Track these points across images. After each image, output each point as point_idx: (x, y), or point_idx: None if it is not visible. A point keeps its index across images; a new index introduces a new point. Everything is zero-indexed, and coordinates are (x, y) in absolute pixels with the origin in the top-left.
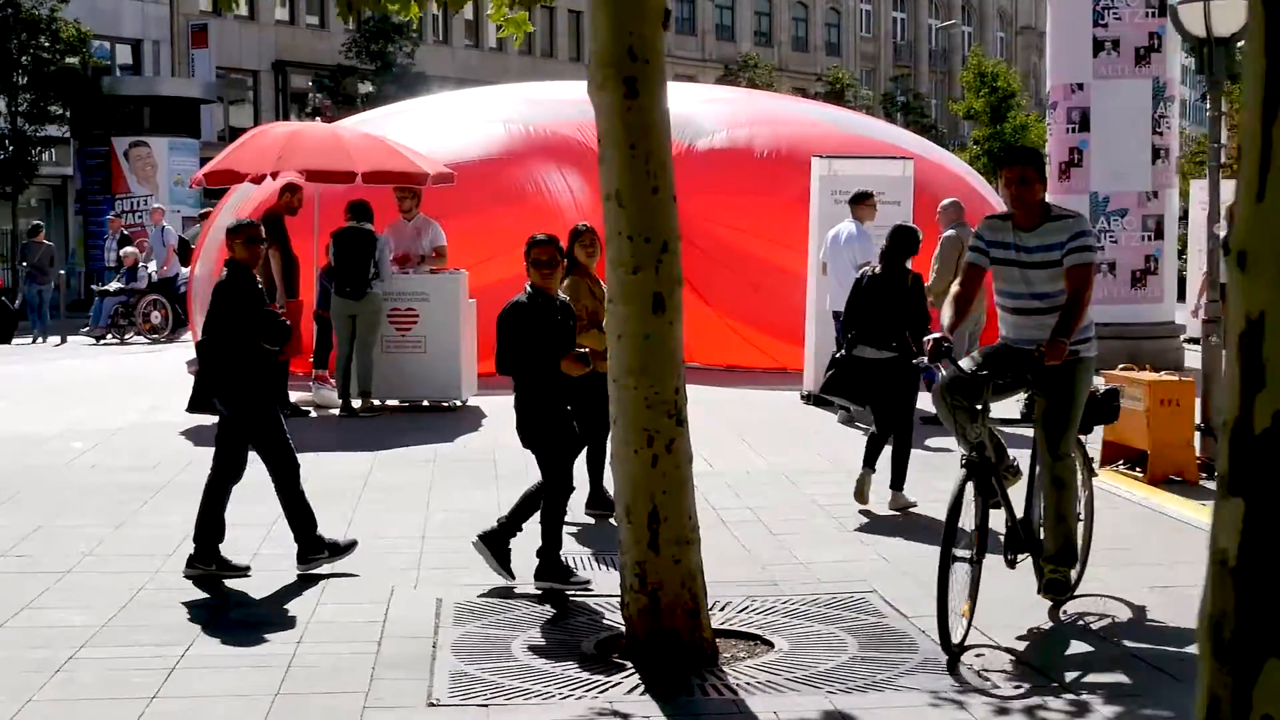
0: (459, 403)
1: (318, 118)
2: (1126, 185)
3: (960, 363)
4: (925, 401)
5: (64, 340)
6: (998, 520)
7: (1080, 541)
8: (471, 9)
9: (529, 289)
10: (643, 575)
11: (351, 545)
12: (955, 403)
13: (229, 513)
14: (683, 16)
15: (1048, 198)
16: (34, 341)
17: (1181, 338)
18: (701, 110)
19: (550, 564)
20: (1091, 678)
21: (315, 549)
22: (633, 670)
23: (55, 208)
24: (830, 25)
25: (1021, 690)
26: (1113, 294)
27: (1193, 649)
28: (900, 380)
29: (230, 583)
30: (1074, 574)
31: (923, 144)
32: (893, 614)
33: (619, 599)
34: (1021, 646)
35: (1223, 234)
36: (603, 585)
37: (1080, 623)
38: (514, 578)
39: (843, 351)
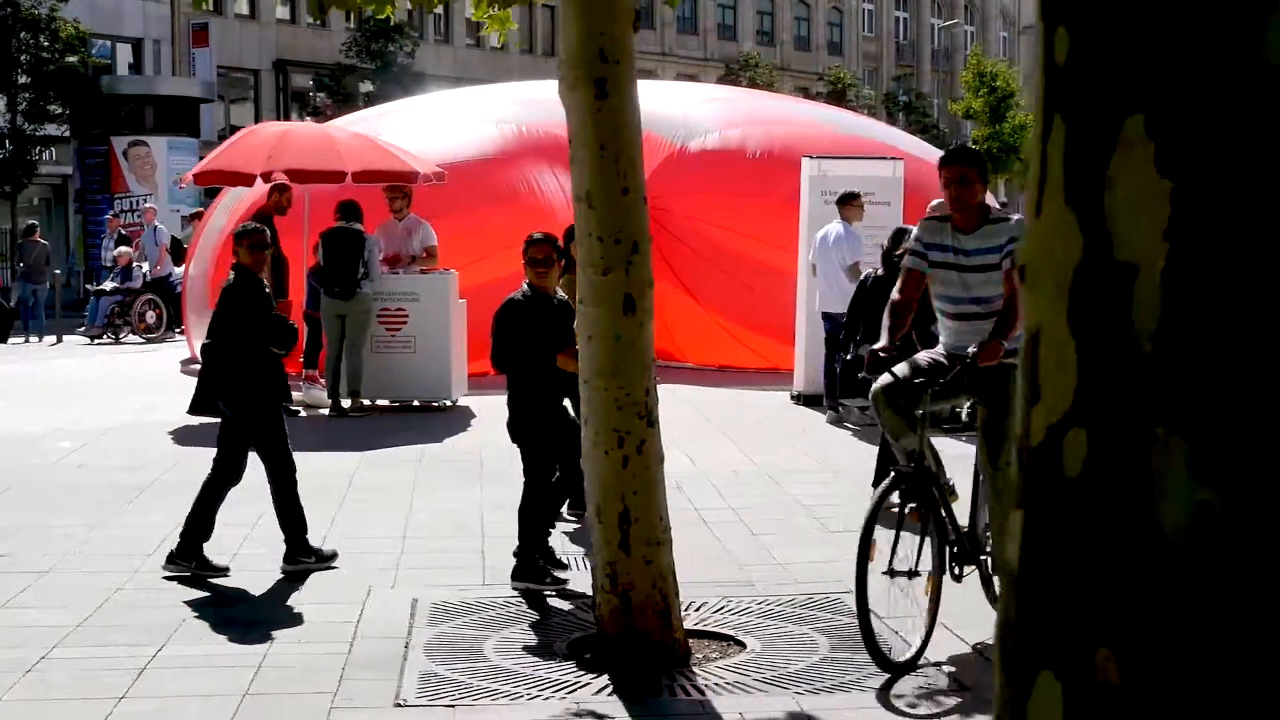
0: (449, 403)
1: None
2: None
3: (896, 369)
4: None
5: (59, 340)
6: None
7: None
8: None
9: (526, 287)
10: (614, 576)
11: (333, 556)
12: (892, 410)
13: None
14: (684, 15)
15: None
16: (26, 341)
17: None
18: (696, 110)
19: (527, 564)
20: None
21: (304, 552)
22: (603, 671)
23: (56, 207)
24: (833, 24)
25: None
26: None
27: None
28: None
29: (207, 583)
30: None
31: (919, 145)
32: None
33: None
34: (989, 648)
35: None
36: (583, 585)
37: None
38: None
39: (851, 354)
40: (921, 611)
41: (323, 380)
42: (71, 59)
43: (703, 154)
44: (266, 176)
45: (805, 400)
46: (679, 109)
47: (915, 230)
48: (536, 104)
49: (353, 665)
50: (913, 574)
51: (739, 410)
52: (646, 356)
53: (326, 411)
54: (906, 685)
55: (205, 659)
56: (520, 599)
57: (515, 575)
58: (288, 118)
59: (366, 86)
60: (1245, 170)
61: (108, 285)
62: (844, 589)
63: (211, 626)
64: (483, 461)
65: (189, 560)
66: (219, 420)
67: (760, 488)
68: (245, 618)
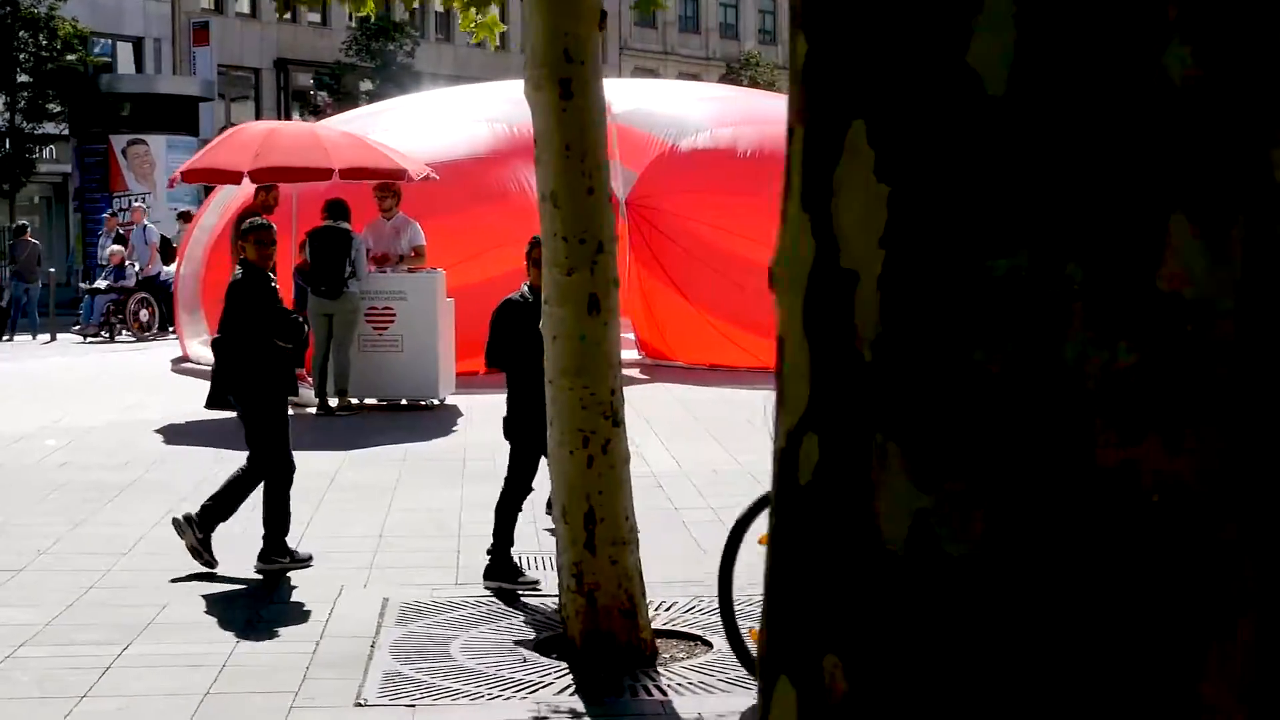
0: (436, 402)
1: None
2: None
3: None
4: None
5: (53, 338)
6: None
7: None
8: (495, 7)
9: (525, 288)
10: (579, 576)
11: (308, 559)
12: None
13: (192, 510)
14: (686, 14)
15: None
16: (11, 339)
17: None
18: (689, 109)
19: (500, 563)
20: None
21: (280, 553)
22: (567, 670)
23: (56, 205)
24: None
25: None
26: None
27: None
28: None
29: (180, 582)
30: None
31: None
32: None
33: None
34: None
35: None
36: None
37: None
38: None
39: None
40: None
41: (310, 379)
42: (70, 58)
43: (694, 153)
44: (254, 175)
45: None
46: (672, 108)
47: None
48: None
49: (317, 664)
50: None
51: (727, 409)
52: (612, 356)
53: (314, 411)
54: None
55: (170, 658)
56: (492, 598)
57: (488, 574)
58: (289, 116)
59: (367, 85)
60: (957, 177)
61: (100, 284)
62: None
63: (180, 626)
64: (465, 461)
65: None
66: (236, 415)
67: (742, 487)
68: (215, 617)
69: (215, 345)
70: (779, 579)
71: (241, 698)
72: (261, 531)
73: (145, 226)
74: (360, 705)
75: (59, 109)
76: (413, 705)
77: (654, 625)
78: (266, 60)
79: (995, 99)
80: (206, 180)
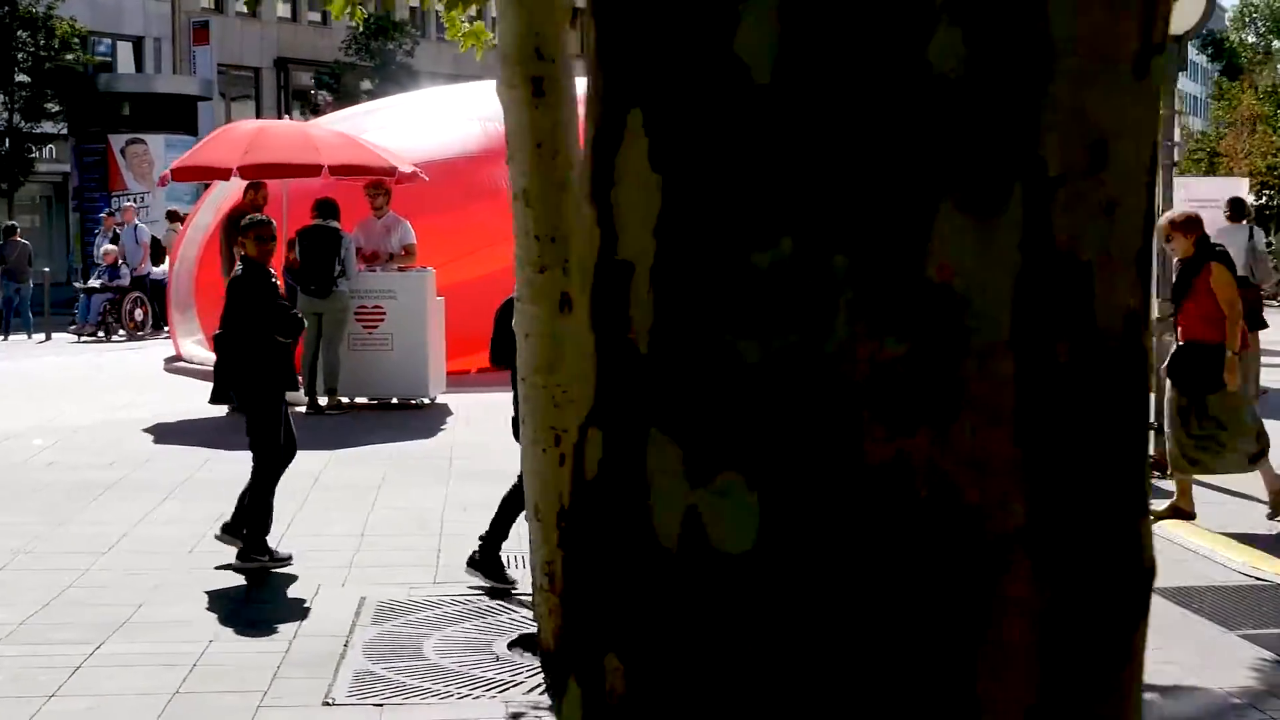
0: (426, 400)
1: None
2: None
3: None
4: None
5: (48, 337)
6: None
7: None
8: (475, 8)
9: None
10: (552, 575)
11: (288, 559)
12: None
13: (173, 510)
14: None
15: None
16: (5, 339)
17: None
18: None
19: (486, 556)
20: None
21: (259, 551)
22: (537, 670)
23: (56, 205)
24: None
25: None
26: None
27: None
28: None
29: (154, 581)
30: None
31: None
32: None
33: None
34: None
35: (1169, 247)
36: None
37: None
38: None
39: None
40: None
41: (300, 378)
42: (69, 57)
43: None
44: (243, 171)
45: None
46: None
47: None
48: None
49: (289, 663)
50: None
51: None
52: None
53: (303, 409)
54: None
55: (143, 657)
56: (468, 597)
57: (470, 563)
58: (289, 115)
59: (367, 85)
60: (725, 166)
61: (94, 282)
62: None
63: (156, 625)
64: (452, 460)
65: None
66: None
67: None
68: (188, 616)
69: (217, 340)
70: (568, 577)
71: (210, 697)
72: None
73: (136, 226)
74: (328, 705)
75: (57, 108)
76: (381, 704)
77: None
78: (267, 59)
79: (761, 87)
80: (196, 178)
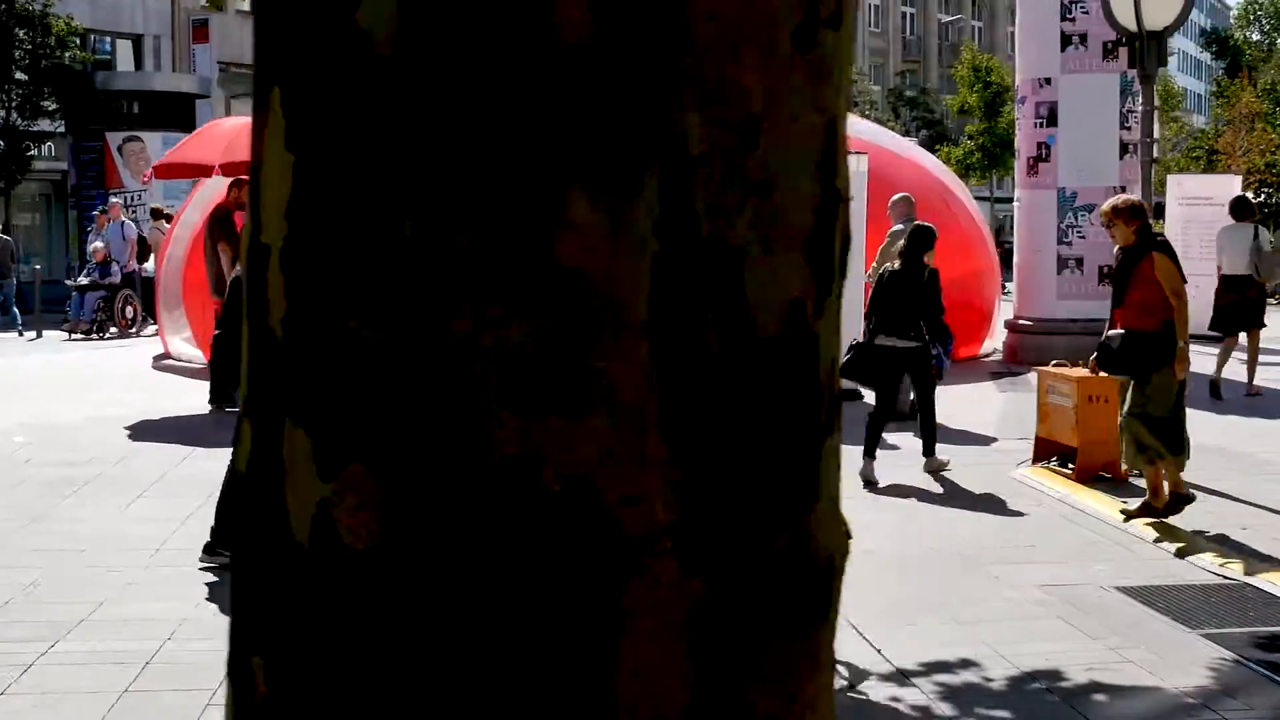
0: None
1: None
2: (1094, 180)
3: None
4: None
5: (39, 334)
6: None
7: None
8: None
9: None
10: None
11: None
12: None
13: (146, 507)
14: None
15: (1016, 193)
16: None
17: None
18: None
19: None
20: (944, 677)
21: (226, 547)
22: None
23: (55, 203)
24: None
25: (877, 688)
26: (1081, 290)
27: (1058, 649)
28: (919, 365)
29: (121, 578)
30: None
31: (895, 140)
32: None
33: None
34: (886, 646)
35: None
36: None
37: (951, 622)
38: None
39: (861, 339)
40: None
41: None
42: (66, 55)
43: None
44: (225, 168)
45: None
46: None
47: None
48: None
49: None
50: None
51: None
52: None
53: None
54: None
55: (97, 655)
56: None
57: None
58: None
59: None
60: (350, 144)
61: (83, 280)
62: None
63: (114, 622)
64: None
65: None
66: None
67: None
68: (152, 614)
69: (216, 340)
70: (234, 575)
71: (160, 695)
72: (210, 524)
73: (123, 223)
74: None
75: (54, 106)
76: None
77: None
78: None
79: (382, 59)
80: (179, 175)
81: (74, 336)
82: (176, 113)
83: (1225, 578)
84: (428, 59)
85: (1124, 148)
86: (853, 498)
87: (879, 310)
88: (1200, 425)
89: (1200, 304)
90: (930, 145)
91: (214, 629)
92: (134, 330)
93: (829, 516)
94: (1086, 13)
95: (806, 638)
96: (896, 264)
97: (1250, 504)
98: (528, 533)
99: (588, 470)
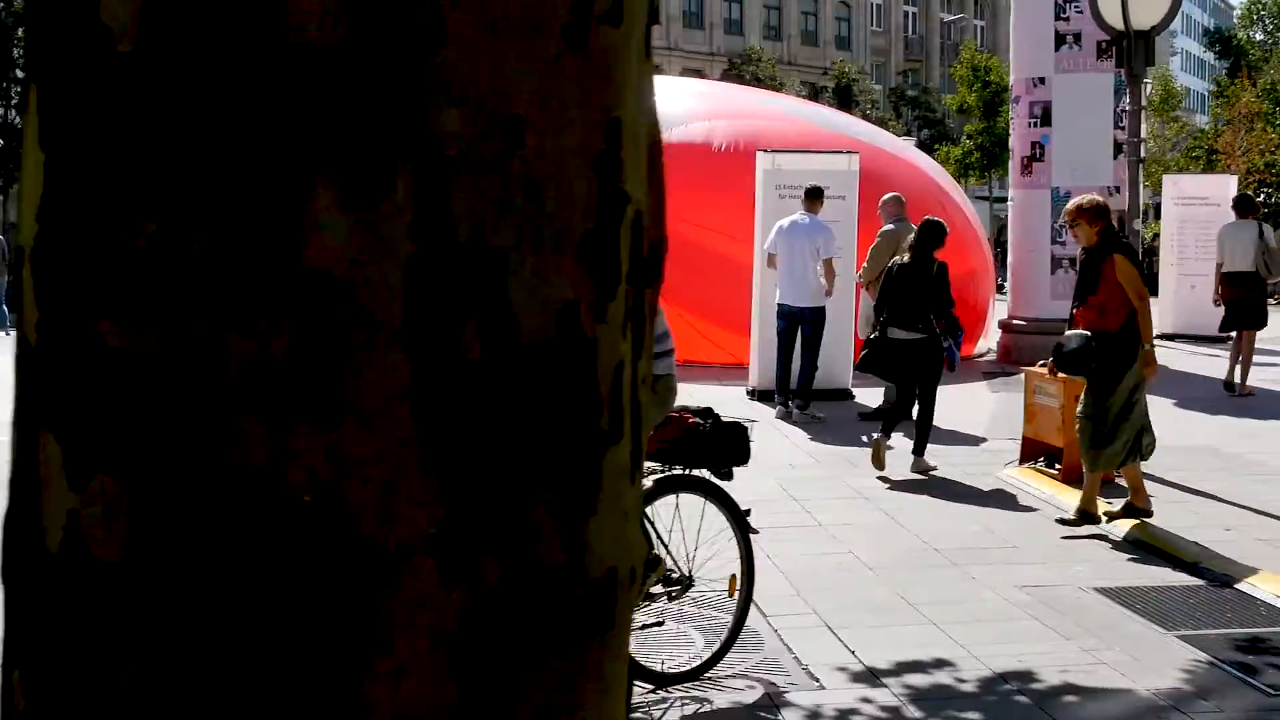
0: None
1: None
2: (1088, 180)
3: None
4: (865, 397)
5: None
6: None
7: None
8: None
9: None
10: None
11: None
12: None
13: None
14: (691, 10)
15: (1010, 192)
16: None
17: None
18: (668, 105)
19: None
20: (915, 679)
21: None
22: None
23: None
24: (840, 19)
25: (847, 690)
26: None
27: (1032, 650)
28: (927, 358)
29: None
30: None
31: (891, 140)
32: (753, 614)
33: None
34: (861, 647)
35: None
36: None
37: (927, 623)
38: None
39: (876, 333)
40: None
41: None
42: None
43: (667, 147)
44: None
45: (760, 396)
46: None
47: None
48: None
49: None
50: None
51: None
52: None
53: None
54: (766, 682)
55: None
56: None
57: None
58: None
59: None
60: (94, 143)
61: None
62: None
63: None
64: None
65: None
66: None
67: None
68: None
69: None
70: (4, 588)
71: None
72: None
73: None
74: None
75: None
76: None
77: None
78: None
79: (124, 56)
80: None
81: None
82: None
83: (1205, 579)
84: (168, 55)
85: (1118, 147)
86: (839, 499)
87: (890, 304)
88: (1193, 425)
89: (1195, 303)
90: (931, 144)
91: None
92: None
93: (612, 528)
94: (1080, 12)
95: (583, 651)
96: (906, 258)
97: (1236, 505)
98: (278, 545)
99: (341, 481)
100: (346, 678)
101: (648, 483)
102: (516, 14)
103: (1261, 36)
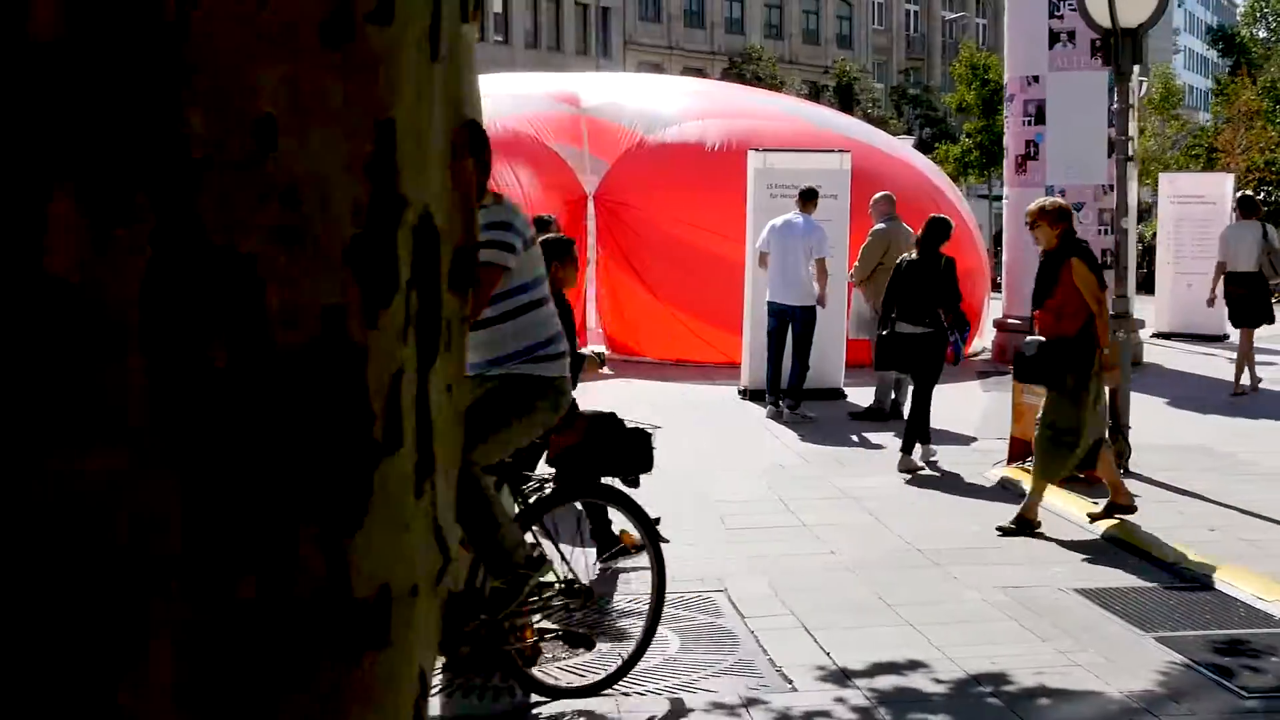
0: None
1: None
2: (1083, 178)
3: None
4: (857, 397)
5: None
6: None
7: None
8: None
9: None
10: None
11: None
12: None
13: None
14: (692, 9)
15: (1004, 191)
16: None
17: (1150, 332)
18: (662, 104)
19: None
20: (889, 681)
21: None
22: (440, 670)
23: None
24: (842, 18)
25: (819, 692)
26: None
27: (1008, 651)
28: (930, 352)
29: None
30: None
31: (886, 139)
32: (731, 615)
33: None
34: (836, 649)
35: (1131, 229)
36: None
37: (904, 624)
38: None
39: (887, 330)
40: None
41: None
42: None
43: (661, 147)
44: None
45: (751, 395)
46: (644, 102)
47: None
48: (498, 99)
49: None
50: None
51: (685, 409)
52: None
53: None
54: (740, 685)
55: None
56: None
57: None
58: None
59: None
60: None
61: None
62: (719, 588)
63: None
64: None
65: None
66: None
67: (670, 486)
68: None
69: None
70: None
71: None
72: None
73: None
74: None
75: None
76: None
77: (545, 624)
78: None
79: None
80: None
81: None
82: None
83: (1184, 579)
84: None
85: (1112, 146)
86: (825, 499)
87: (898, 298)
88: (1185, 425)
89: (1192, 302)
90: (931, 143)
91: None
92: None
93: (386, 541)
94: (1074, 10)
95: (356, 666)
96: (914, 253)
97: (1222, 504)
98: (26, 569)
99: (89, 499)
100: (96, 701)
101: (547, 490)
102: (268, 11)
103: (1265, 34)
